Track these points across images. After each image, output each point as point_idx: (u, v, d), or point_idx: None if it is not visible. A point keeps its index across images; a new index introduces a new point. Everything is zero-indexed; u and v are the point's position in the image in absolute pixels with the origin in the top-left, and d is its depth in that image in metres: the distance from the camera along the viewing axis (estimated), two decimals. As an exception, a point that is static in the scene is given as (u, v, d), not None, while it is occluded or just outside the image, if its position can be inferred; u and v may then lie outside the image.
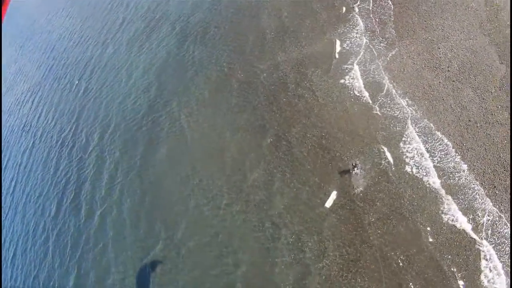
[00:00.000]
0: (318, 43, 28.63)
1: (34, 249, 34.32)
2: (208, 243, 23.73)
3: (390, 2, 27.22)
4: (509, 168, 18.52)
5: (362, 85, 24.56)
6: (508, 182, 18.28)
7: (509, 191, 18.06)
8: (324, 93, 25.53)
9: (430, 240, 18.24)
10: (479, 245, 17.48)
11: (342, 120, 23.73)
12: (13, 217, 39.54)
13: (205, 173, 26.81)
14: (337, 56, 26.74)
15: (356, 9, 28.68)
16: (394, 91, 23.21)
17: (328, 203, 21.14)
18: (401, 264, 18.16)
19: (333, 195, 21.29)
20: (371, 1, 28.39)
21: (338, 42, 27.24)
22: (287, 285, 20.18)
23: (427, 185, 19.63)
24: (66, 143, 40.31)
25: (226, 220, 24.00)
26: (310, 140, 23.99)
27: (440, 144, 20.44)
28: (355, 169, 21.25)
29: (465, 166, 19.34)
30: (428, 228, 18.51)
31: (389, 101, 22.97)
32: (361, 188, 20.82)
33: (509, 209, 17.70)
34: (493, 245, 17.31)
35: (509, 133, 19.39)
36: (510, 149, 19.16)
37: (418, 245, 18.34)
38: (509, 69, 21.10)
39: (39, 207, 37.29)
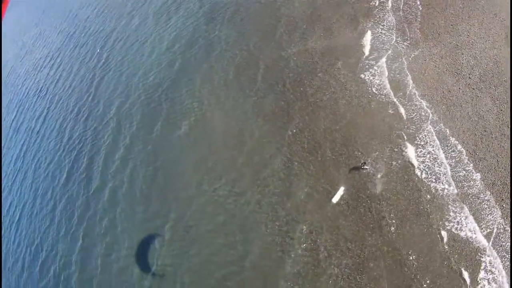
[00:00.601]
0: (347, 34, 27.97)
1: (39, 215, 34.32)
2: (217, 229, 23.44)
3: (418, 2, 26.50)
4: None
5: (382, 82, 24.07)
6: (517, 196, 17.92)
7: (517, 205, 17.72)
8: (345, 86, 25.07)
9: (432, 245, 17.89)
10: (480, 256, 17.15)
11: (359, 115, 23.30)
12: (21, 181, 39.61)
13: (221, 156, 26.45)
14: (366, 51, 26.16)
15: (389, 4, 27.96)
16: (413, 92, 22.68)
17: (335, 199, 20.82)
18: (402, 265, 17.87)
19: (341, 190, 20.94)
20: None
21: (368, 36, 26.74)
22: (291, 277, 20.00)
23: (435, 190, 19.19)
24: (82, 112, 40.05)
25: (237, 208, 23.66)
26: (324, 133, 23.61)
27: (453, 151, 19.96)
28: (365, 166, 20.92)
29: (477, 176, 18.88)
30: (432, 234, 18.16)
31: (407, 102, 22.45)
32: (369, 186, 20.45)
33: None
34: (495, 257, 16.96)
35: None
36: (510, 158, 18.88)
37: (420, 249, 17.97)
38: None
39: (48, 174, 37.26)
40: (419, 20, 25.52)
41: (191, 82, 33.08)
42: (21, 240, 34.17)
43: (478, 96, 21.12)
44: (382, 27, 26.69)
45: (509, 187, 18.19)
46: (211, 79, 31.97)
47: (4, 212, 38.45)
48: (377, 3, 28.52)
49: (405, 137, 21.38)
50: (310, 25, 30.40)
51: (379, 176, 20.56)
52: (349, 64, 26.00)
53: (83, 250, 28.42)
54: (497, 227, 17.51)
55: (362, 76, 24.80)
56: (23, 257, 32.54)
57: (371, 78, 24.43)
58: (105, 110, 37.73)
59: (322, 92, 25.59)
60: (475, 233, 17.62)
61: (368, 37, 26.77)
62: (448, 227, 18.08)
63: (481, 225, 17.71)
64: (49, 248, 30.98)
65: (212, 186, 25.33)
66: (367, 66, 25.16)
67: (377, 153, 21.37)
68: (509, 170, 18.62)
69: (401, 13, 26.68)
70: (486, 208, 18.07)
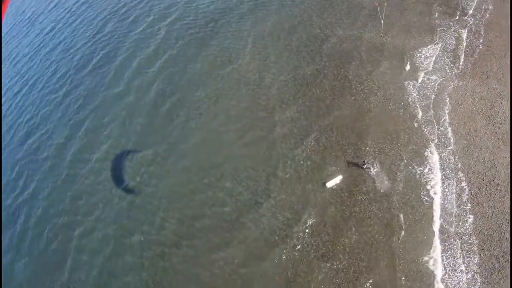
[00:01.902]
0: (414, 42, 26.81)
1: (47, 95, 33.34)
2: (212, 171, 23.01)
3: (481, 41, 25.39)
4: (505, 241, 17.42)
5: (420, 97, 23.24)
6: (496, 252, 17.22)
7: (493, 260, 17.04)
8: (383, 85, 24.29)
9: (401, 266, 17.29)
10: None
11: (385, 116, 22.57)
12: (44, 55, 38.42)
13: (246, 112, 25.56)
14: (425, 64, 25.15)
15: (463, 34, 26.64)
16: (444, 117, 21.88)
17: (330, 184, 20.05)
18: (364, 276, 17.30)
19: (337, 179, 20.15)
20: (472, 34, 26.41)
21: (434, 51, 25.74)
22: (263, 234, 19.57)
23: (427, 214, 18.52)
24: (128, 14, 38.69)
25: (237, 155, 23.32)
26: (348, 118, 22.98)
27: (457, 185, 19.19)
28: (365, 166, 20.19)
29: (470, 217, 18.17)
30: (406, 255, 17.57)
31: (434, 123, 21.68)
32: (368, 184, 19.80)
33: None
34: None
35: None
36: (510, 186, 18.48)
37: (392, 267, 17.31)
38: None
39: (72, 58, 36.24)
40: (476, 56, 24.51)
41: (252, 27, 31.87)
42: (20, 111, 33.13)
43: (499, 147, 20.26)
44: (438, 47, 25.88)
45: (494, 240, 17.54)
46: (272, 31, 30.87)
47: (13, 79, 37.07)
48: (453, 25, 27.36)
49: (418, 153, 20.61)
50: (392, 20, 29.09)
51: (380, 178, 19.83)
52: (400, 68, 25.17)
53: (78, 147, 27.58)
54: (469, 274, 16.87)
55: (405, 83, 24.00)
56: (16, 128, 31.40)
57: (412, 88, 23.64)
58: (153, 22, 36.56)
59: (365, 82, 24.86)
60: (447, 273, 17.01)
61: (432, 53, 25.78)
62: (425, 256, 17.48)
63: (455, 267, 17.07)
64: (45, 129, 30.04)
65: (225, 129, 24.92)
66: (412, 76, 24.37)
67: (386, 156, 20.70)
68: (499, 225, 17.94)
69: (464, 43, 25.73)
70: (466, 250, 17.41)
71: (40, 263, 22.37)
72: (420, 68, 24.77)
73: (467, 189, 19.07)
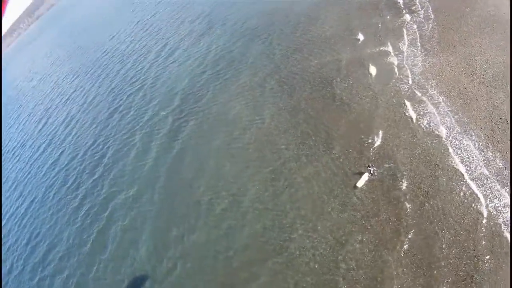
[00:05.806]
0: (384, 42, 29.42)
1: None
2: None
3: (436, 23, 28.00)
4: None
5: (402, 84, 25.20)
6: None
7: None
8: (367, 87, 26.39)
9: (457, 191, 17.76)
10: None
11: (378, 109, 24.46)
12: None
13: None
14: (402, 57, 27.20)
15: (420, 25, 29.11)
16: (433, 89, 23.66)
17: (360, 183, 20.93)
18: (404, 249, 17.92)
19: (365, 176, 21.11)
20: (426, 22, 28.95)
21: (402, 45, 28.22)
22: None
23: (453, 174, 19.49)
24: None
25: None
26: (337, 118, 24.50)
27: (471, 134, 20.32)
28: (370, 169, 21.09)
29: (497, 155, 19.01)
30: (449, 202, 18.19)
31: (427, 97, 23.36)
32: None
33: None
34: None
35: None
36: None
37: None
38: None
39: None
40: (436, 36, 26.71)
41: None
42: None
43: (492, 92, 21.55)
44: (404, 40, 28.38)
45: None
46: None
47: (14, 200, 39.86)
48: (407, 22, 30.11)
49: (425, 127, 22.00)
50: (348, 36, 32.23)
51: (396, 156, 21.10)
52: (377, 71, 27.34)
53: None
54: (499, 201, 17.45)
55: (391, 80, 25.93)
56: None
57: (394, 80, 25.67)
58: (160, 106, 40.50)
59: (347, 89, 27.07)
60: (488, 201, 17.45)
61: (400, 48, 28.12)
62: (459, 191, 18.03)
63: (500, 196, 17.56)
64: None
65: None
66: (391, 72, 26.48)
67: (398, 142, 21.98)
68: (526, 152, 18.59)
69: (420, 31, 28.33)
70: (504, 183, 17.90)
71: None
72: (394, 62, 27.01)
73: (482, 135, 20.03)
